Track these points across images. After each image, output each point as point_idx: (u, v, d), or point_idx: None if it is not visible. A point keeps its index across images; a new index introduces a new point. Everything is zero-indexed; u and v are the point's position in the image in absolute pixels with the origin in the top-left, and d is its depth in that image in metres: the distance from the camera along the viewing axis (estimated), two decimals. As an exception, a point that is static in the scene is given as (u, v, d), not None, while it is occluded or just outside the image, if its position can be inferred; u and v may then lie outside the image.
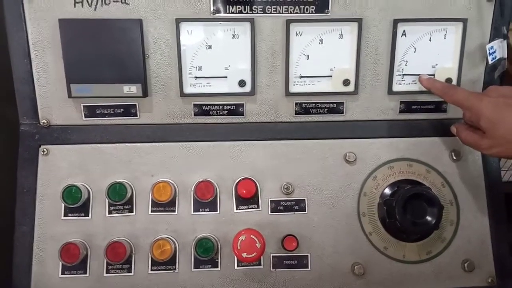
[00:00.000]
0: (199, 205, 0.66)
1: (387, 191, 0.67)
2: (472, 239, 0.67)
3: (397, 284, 0.66)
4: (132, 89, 0.68)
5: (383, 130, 0.70)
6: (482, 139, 0.60)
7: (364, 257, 0.66)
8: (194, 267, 0.64)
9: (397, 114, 0.70)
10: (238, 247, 0.61)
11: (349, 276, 0.65)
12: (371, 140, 0.69)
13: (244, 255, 0.61)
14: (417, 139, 0.70)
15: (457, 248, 0.67)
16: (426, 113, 0.70)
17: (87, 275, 0.64)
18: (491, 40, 0.68)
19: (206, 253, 0.63)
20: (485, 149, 0.60)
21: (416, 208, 0.64)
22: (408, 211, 0.63)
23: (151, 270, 0.64)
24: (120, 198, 0.63)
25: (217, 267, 0.65)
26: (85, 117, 0.68)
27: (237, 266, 0.65)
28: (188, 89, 0.67)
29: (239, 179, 0.66)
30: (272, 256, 0.65)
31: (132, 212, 0.65)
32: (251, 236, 0.62)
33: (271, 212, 0.66)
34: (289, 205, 0.67)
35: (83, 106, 0.68)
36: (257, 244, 0.61)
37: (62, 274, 0.64)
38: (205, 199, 0.65)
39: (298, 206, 0.67)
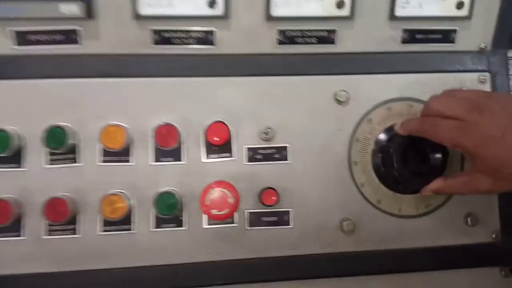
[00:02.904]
0: (160, 154, 0.55)
1: (383, 136, 0.57)
2: (477, 190, 0.59)
3: (391, 241, 0.57)
4: (72, 8, 0.53)
5: (381, 65, 0.59)
6: (477, 182, 0.49)
7: (355, 212, 0.57)
8: (154, 227, 0.54)
9: (398, 45, 0.59)
10: (207, 203, 0.51)
11: (337, 234, 0.57)
12: (366, 76, 0.58)
13: (214, 212, 0.51)
14: (421, 75, 0.59)
15: (460, 200, 0.59)
16: (432, 44, 0.59)
17: (23, 237, 0.53)
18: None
19: (168, 210, 0.52)
20: (486, 191, 0.50)
21: (417, 155, 0.55)
22: (407, 159, 0.54)
23: (102, 231, 0.53)
24: (59, 144, 0.51)
25: (182, 226, 0.54)
26: (15, 45, 0.54)
27: (206, 225, 0.55)
28: (144, 10, 0.54)
29: (209, 123, 0.54)
30: (248, 212, 0.55)
31: (77, 162, 0.54)
32: (223, 189, 0.51)
33: (247, 161, 0.56)
34: (268, 153, 0.56)
35: (11, 31, 0.54)
36: (229, 199, 0.51)
37: (-9, 237, 0.53)
38: (168, 147, 0.53)
39: (279, 154, 0.56)
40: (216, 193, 0.51)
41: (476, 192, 0.51)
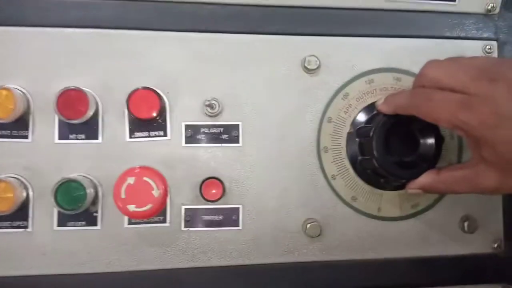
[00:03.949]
0: (69, 129, 0.41)
1: (362, 115, 0.45)
2: (476, 187, 0.47)
3: (367, 249, 0.45)
4: None
5: (361, 25, 0.46)
6: (482, 178, 0.37)
7: (323, 211, 0.45)
8: (58, 225, 0.41)
9: (384, 0, 0.47)
10: (123, 196, 0.38)
11: (299, 238, 0.44)
12: (343, 39, 0.46)
13: (132, 208, 0.38)
14: (411, 40, 0.47)
15: (455, 199, 0.47)
16: (427, 1, 0.47)
17: None
18: None
19: (72, 204, 0.39)
20: (493, 190, 0.37)
21: (403, 140, 0.43)
22: (390, 145, 0.42)
23: (-12, 227, 0.40)
24: None
25: (96, 225, 0.42)
26: None
27: (129, 224, 0.42)
28: None
29: (134, 90, 0.41)
30: (185, 208, 0.43)
31: (-45, 136, 0.40)
32: (144, 178, 0.38)
33: (185, 143, 0.43)
34: (214, 133, 0.43)
35: None
36: (153, 191, 0.38)
37: None
38: (75, 118, 0.40)
39: (227, 134, 0.43)
40: (135, 183, 0.38)
41: (479, 190, 0.38)
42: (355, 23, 0.46)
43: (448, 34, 0.47)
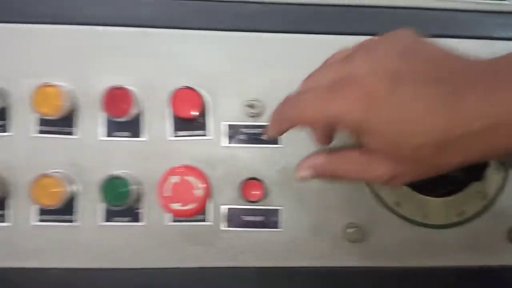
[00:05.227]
0: (114, 127, 0.42)
1: (409, 119, 0.44)
2: (526, 196, 0.45)
3: (411, 256, 0.44)
4: None
5: (413, 24, 0.44)
6: (375, 163, 0.31)
7: (365, 216, 0.44)
8: (104, 220, 0.42)
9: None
10: (167, 194, 0.38)
11: (340, 243, 0.43)
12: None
13: (176, 206, 0.38)
14: (456, 41, 0.44)
15: (503, 208, 0.45)
16: (479, 1, 0.45)
17: None
18: None
19: (118, 200, 0.40)
20: (388, 180, 0.31)
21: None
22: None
23: (38, 220, 0.42)
24: (-21, 107, 0.39)
25: (139, 221, 0.42)
26: None
27: (170, 221, 0.42)
28: None
29: (177, 89, 0.42)
30: (226, 209, 0.43)
31: (7, 131, 0.42)
32: (187, 177, 0.39)
33: (226, 143, 0.43)
34: (254, 133, 0.43)
35: None
36: (196, 191, 0.39)
37: None
38: (120, 116, 0.41)
39: (269, 135, 0.43)
40: (179, 182, 0.38)
41: (371, 178, 0.32)
42: (405, 22, 0.44)
43: (498, 34, 0.45)
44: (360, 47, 0.31)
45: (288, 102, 0.33)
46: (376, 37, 0.31)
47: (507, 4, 0.45)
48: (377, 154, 0.30)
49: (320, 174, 0.34)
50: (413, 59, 0.28)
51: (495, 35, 0.45)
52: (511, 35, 0.45)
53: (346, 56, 0.31)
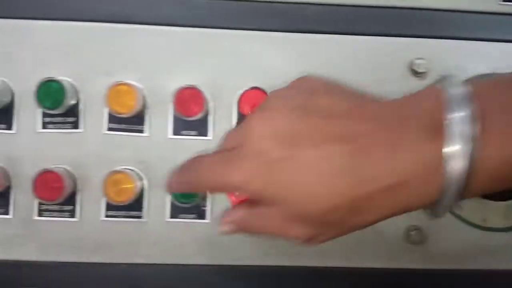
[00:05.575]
0: (182, 125, 0.43)
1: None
2: None
3: (471, 258, 0.44)
4: None
5: (472, 28, 0.45)
6: (292, 223, 0.27)
7: (426, 218, 0.44)
8: (171, 216, 0.43)
9: (496, 3, 0.45)
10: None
11: (401, 244, 0.44)
12: (454, 42, 0.45)
13: (246, 204, 0.39)
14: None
15: None
16: (545, 4, 0.45)
17: (9, 216, 0.43)
18: None
19: (187, 197, 0.41)
20: (305, 241, 0.28)
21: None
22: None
23: (106, 216, 0.43)
24: (55, 104, 0.40)
25: (205, 218, 0.43)
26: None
27: (235, 219, 0.43)
28: None
29: (245, 89, 0.43)
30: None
31: (79, 128, 0.43)
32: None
33: (290, 142, 0.44)
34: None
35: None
36: (267, 189, 0.39)
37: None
38: (191, 116, 0.42)
39: (332, 136, 0.44)
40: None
41: (289, 238, 0.28)
42: (465, 26, 0.45)
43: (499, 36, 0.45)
44: (260, 104, 0.29)
45: (192, 167, 0.31)
46: (276, 90, 0.30)
47: (508, 5, 0.45)
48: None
49: (242, 229, 0.30)
50: (312, 116, 0.26)
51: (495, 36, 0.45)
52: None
53: (247, 116, 0.29)
